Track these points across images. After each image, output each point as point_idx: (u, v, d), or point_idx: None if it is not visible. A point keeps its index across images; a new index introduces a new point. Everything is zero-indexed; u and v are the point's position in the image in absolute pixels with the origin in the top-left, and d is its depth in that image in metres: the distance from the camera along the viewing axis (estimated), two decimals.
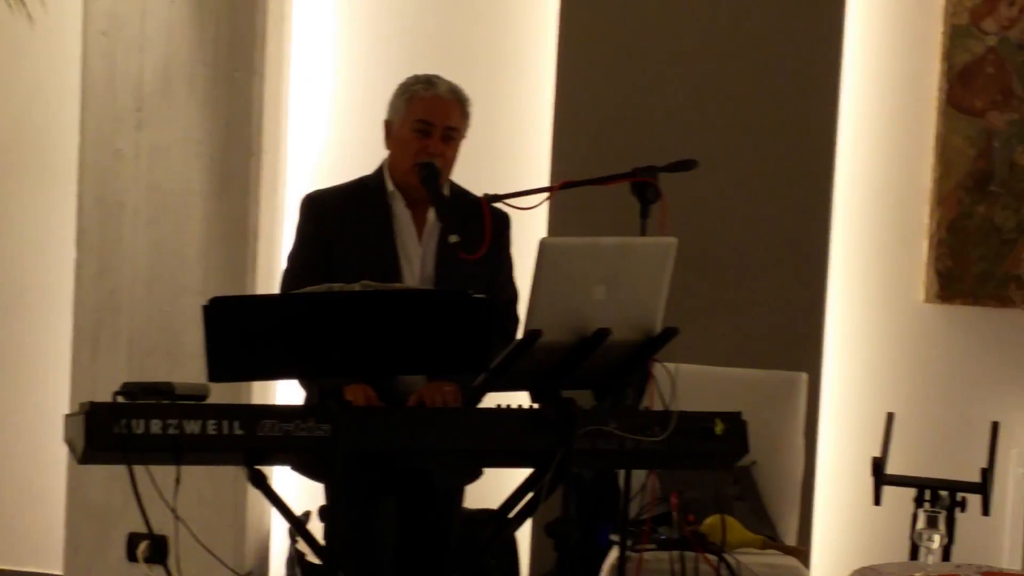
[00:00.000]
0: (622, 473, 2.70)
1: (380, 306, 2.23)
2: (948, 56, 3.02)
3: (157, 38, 3.33)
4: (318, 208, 2.56)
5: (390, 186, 2.49)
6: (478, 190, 2.51)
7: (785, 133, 3.25)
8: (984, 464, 2.84)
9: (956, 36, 2.99)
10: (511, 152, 3.59)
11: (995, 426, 2.92)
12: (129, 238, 3.33)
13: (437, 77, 2.58)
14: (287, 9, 3.47)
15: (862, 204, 3.33)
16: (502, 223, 2.58)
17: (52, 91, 3.67)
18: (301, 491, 2.57)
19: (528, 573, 3.33)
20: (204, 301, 1.96)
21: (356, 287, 2.25)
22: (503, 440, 2.36)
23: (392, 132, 2.51)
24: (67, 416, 2.20)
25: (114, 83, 3.36)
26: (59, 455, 3.06)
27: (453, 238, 2.32)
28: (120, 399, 2.14)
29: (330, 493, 2.35)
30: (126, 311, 3.39)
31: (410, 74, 2.56)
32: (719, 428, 2.39)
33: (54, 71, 3.64)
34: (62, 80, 3.58)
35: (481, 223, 2.42)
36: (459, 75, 2.73)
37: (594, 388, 2.40)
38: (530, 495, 2.35)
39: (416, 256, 2.54)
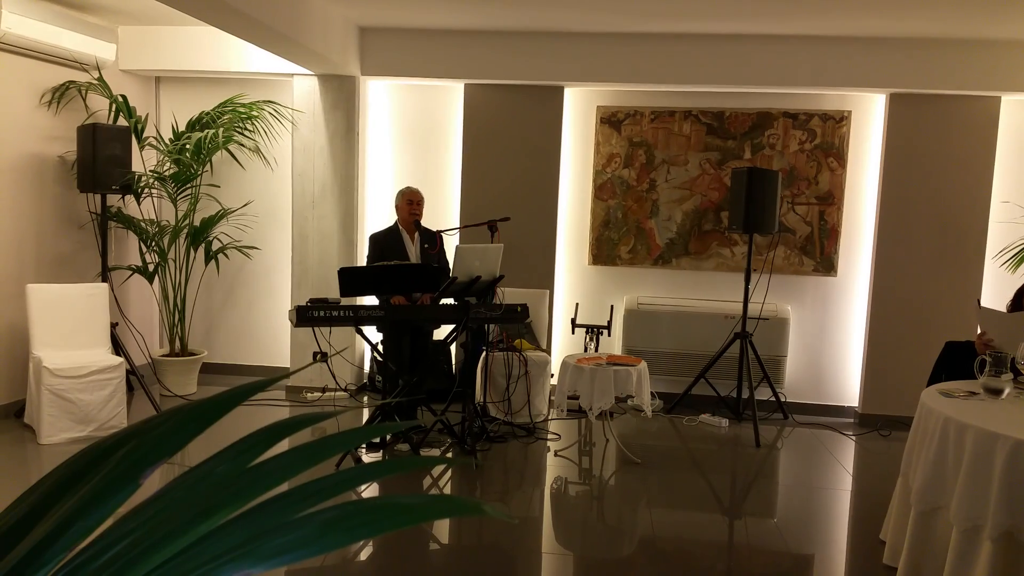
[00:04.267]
0: (487, 325, 5.59)
1: (402, 268, 5.00)
2: (595, 180, 6.48)
3: (319, 176, 6.33)
4: (376, 238, 5.52)
5: (400, 228, 5.50)
6: (433, 226, 5.59)
7: (540, 206, 6.40)
8: (608, 319, 6.14)
9: (597, 174, 6.47)
10: (443, 207, 6.62)
11: (612, 307, 6.28)
12: (310, 248, 6.40)
13: (410, 185, 5.61)
14: (366, 165, 6.52)
15: (567, 231, 6.58)
16: (443, 239, 5.57)
17: (281, 195, 6.66)
18: (374, 336, 5.43)
19: (454, 361, 6.39)
20: (337, 269, 5.04)
21: (392, 263, 5.17)
22: (446, 314, 5.20)
23: (398, 208, 5.51)
24: (289, 311, 5.10)
25: (304, 193, 6.36)
26: (287, 324, 6.27)
27: (425, 245, 5.43)
28: (308, 304, 4.99)
29: (385, 335, 5.39)
30: (309, 274, 6.41)
31: (406, 186, 5.73)
32: (519, 309, 5.28)
33: (282, 188, 6.66)
34: (285, 191, 6.60)
35: (435, 239, 5.49)
36: (427, 182, 5.96)
37: (476, 296, 5.21)
38: (454, 334, 5.33)
39: (412, 252, 5.49)
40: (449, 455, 5.15)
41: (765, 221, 5.78)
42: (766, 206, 5.77)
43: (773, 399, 6.29)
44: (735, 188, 5.85)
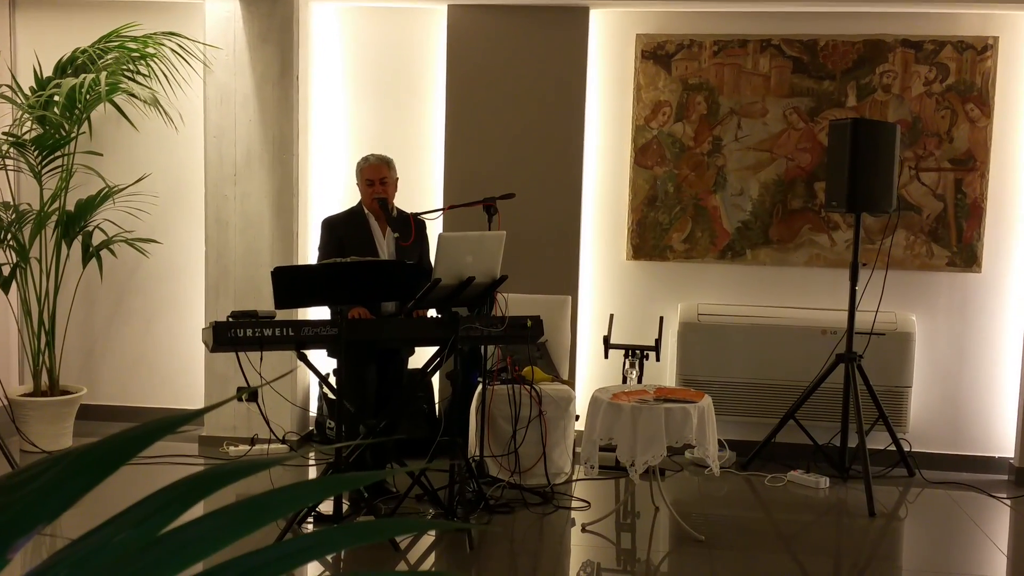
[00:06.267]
0: (483, 347, 5.60)
1: (363, 268, 4.89)
2: (635, 140, 6.53)
3: (242, 138, 6.40)
4: (331, 224, 5.55)
5: (366, 211, 5.51)
6: (410, 209, 5.55)
7: (558, 178, 6.46)
8: (656, 336, 6.15)
9: (637, 130, 6.52)
10: (419, 181, 6.67)
11: (661, 319, 6.29)
12: (231, 240, 6.45)
13: (370, 155, 5.53)
14: (309, 121, 6.58)
15: (596, 212, 6.65)
16: (423, 226, 5.52)
17: (190, 166, 6.70)
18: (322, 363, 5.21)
19: (438, 398, 6.45)
20: (270, 269, 4.79)
21: (349, 259, 4.94)
22: (425, 332, 5.21)
23: (359, 187, 5.53)
24: (203, 329, 4.81)
25: (222, 162, 6.43)
26: (200, 348, 6.22)
27: (395, 235, 5.33)
28: (230, 319, 4.73)
29: (340, 362, 5.19)
30: (231, 276, 6.47)
31: (368, 151, 5.65)
32: (529, 324, 5.23)
33: (191, 156, 6.69)
34: (196, 160, 6.62)
35: (408, 226, 5.38)
36: (397, 147, 5.96)
37: (467, 306, 5.20)
38: (437, 360, 5.26)
39: (383, 245, 5.47)
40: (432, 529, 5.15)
41: (878, 195, 5.79)
42: (879, 174, 5.77)
43: (893, 448, 6.27)
44: (835, 149, 5.86)
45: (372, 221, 5.52)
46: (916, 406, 6.50)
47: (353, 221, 5.55)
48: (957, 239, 6.43)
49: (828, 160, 6.03)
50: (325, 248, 5.51)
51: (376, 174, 5.44)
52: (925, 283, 6.52)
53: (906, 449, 6.32)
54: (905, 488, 6.09)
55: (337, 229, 5.52)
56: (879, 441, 6.32)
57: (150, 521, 0.76)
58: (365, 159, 5.53)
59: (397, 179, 5.55)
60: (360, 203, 5.57)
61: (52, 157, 6.30)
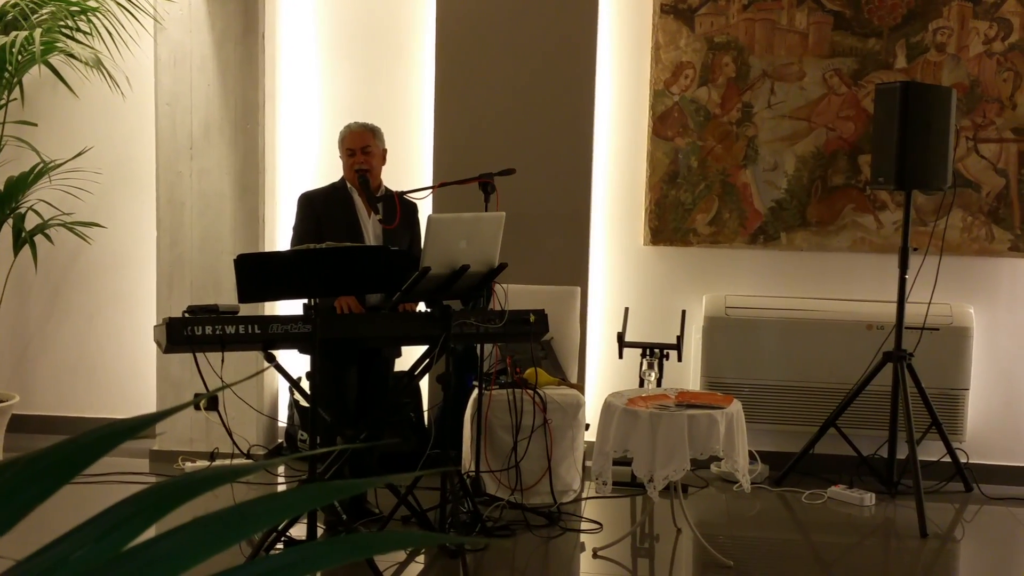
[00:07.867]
0: (479, 346, 5.66)
1: (342, 254, 4.72)
2: (653, 107, 6.51)
3: (199, 106, 6.39)
4: (309, 200, 5.48)
5: (349, 187, 5.45)
6: (395, 188, 5.45)
7: (564, 151, 6.42)
8: (678, 333, 6.12)
9: (656, 95, 6.50)
10: (406, 155, 6.60)
11: (683, 313, 6.27)
12: (187, 223, 6.43)
13: (353, 122, 5.48)
14: (277, 86, 6.57)
15: (609, 190, 6.65)
16: (413, 207, 5.54)
17: (139, 137, 6.67)
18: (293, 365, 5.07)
19: (427, 405, 6.40)
20: (233, 257, 4.41)
21: (324, 244, 4.83)
22: (413, 328, 5.14)
23: (341, 159, 5.46)
24: (155, 327, 4.58)
25: (175, 133, 6.42)
26: (151, 349, 6.12)
27: (377, 216, 5.34)
28: (186, 315, 4.51)
29: (315, 364, 5.06)
30: (187, 265, 6.45)
31: (345, 120, 5.59)
32: (532, 319, 5.18)
33: (140, 126, 6.66)
34: (145, 131, 6.60)
35: (393, 206, 5.32)
36: (380, 115, 5.81)
37: (461, 299, 5.14)
38: (426, 361, 5.06)
39: (369, 226, 5.42)
40: (421, 552, 5.13)
41: (931, 170, 5.77)
42: (932, 145, 5.75)
43: (947, 459, 6.26)
44: (882, 117, 5.84)
45: (356, 199, 5.47)
46: (974, 411, 6.49)
47: (334, 198, 5.51)
48: (1021, 220, 6.41)
49: (874, 130, 6.00)
50: (300, 228, 5.48)
51: (359, 142, 5.40)
52: (985, 270, 6.51)
53: (962, 460, 6.29)
54: (961, 505, 6.08)
55: (316, 206, 5.49)
56: (932, 452, 6.31)
57: (112, 536, 0.76)
58: (347, 127, 5.50)
59: (385, 151, 5.54)
60: (343, 178, 5.53)
61: None
